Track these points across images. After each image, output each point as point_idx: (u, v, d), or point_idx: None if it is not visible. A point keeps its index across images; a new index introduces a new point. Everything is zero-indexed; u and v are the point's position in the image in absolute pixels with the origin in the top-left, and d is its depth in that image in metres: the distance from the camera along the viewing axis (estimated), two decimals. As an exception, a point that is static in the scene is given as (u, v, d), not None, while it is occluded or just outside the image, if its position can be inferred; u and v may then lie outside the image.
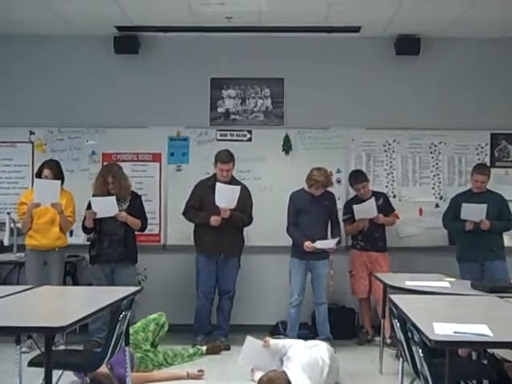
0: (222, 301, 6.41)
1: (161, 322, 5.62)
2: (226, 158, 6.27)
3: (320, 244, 6.02)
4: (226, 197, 6.07)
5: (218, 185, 6.12)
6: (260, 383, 4.64)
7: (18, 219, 6.35)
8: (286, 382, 4.57)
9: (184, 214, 6.41)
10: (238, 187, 6.15)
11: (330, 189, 6.46)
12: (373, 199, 6.42)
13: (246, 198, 6.32)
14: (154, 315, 5.63)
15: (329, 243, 6.10)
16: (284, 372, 4.69)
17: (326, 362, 4.88)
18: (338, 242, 6.20)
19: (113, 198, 6.01)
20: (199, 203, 6.33)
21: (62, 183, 6.19)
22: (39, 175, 6.14)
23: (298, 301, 6.15)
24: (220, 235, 6.19)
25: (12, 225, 6.55)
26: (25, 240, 6.25)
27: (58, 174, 6.17)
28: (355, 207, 6.40)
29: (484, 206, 6.05)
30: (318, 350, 5.00)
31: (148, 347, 5.45)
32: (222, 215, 6.11)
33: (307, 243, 6.00)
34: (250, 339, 5.30)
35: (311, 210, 6.17)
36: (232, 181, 6.31)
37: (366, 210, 6.39)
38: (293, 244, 6.24)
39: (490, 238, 6.15)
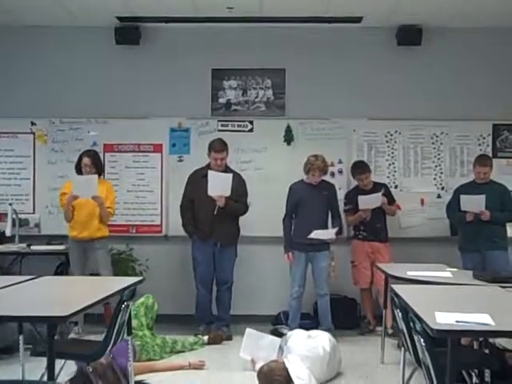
0: (221, 292, 6.41)
1: (149, 303, 5.62)
2: (219, 146, 6.26)
3: (316, 234, 6.01)
4: (218, 185, 6.06)
5: (210, 173, 6.11)
6: (260, 373, 4.65)
7: (62, 210, 6.37)
8: (285, 373, 4.58)
9: (181, 207, 6.42)
10: (230, 175, 6.14)
11: (331, 180, 6.48)
12: (379, 193, 6.41)
13: (240, 187, 6.31)
14: (141, 299, 5.60)
15: (328, 233, 6.08)
16: (284, 363, 4.70)
17: (328, 352, 4.90)
18: (340, 233, 6.20)
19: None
20: (192, 194, 6.33)
21: (101, 173, 6.30)
22: (79, 163, 6.22)
23: (299, 293, 6.15)
24: (216, 224, 6.20)
25: (14, 215, 6.57)
26: (67, 231, 6.29)
27: (97, 162, 6.26)
28: (360, 198, 6.39)
29: (482, 197, 6.04)
30: (320, 340, 5.02)
31: (145, 332, 5.47)
32: (217, 203, 6.11)
33: (289, 255, 6.11)
34: (249, 332, 5.33)
35: (311, 200, 6.15)
36: (226, 170, 6.30)
37: (371, 201, 6.39)
38: (293, 236, 6.24)
39: (491, 228, 6.13)
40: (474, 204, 6.09)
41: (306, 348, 4.86)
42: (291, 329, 5.83)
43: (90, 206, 6.10)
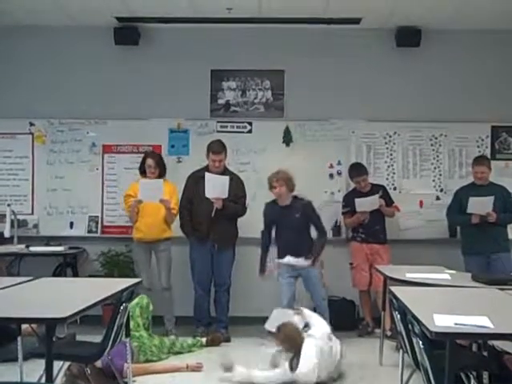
0: (219, 293, 6.41)
1: (144, 304, 5.58)
2: (217, 148, 6.25)
3: (289, 260, 5.93)
4: (216, 187, 6.07)
5: (207, 175, 6.11)
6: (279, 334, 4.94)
7: (125, 211, 6.50)
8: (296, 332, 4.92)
9: (179, 208, 6.37)
10: (227, 177, 6.13)
11: (329, 182, 6.45)
12: (377, 196, 6.40)
13: (238, 189, 6.31)
14: (136, 300, 5.52)
15: (301, 261, 5.93)
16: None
17: (338, 358, 5.00)
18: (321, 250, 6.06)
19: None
20: (190, 195, 6.32)
21: (164, 174, 6.37)
22: (143, 164, 6.33)
23: (289, 306, 5.86)
24: (214, 226, 6.19)
25: (12, 216, 6.56)
26: (132, 233, 6.42)
27: (160, 163, 6.35)
28: (357, 201, 6.39)
29: (491, 199, 6.02)
30: (335, 344, 5.05)
31: (142, 333, 5.45)
32: (214, 205, 6.10)
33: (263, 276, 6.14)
34: (279, 309, 5.46)
35: (283, 223, 6.02)
36: (225, 171, 6.30)
37: (368, 203, 6.39)
38: (280, 246, 6.11)
39: (495, 230, 6.13)
40: (481, 206, 6.06)
41: (325, 343, 4.92)
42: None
43: (156, 209, 6.17)
